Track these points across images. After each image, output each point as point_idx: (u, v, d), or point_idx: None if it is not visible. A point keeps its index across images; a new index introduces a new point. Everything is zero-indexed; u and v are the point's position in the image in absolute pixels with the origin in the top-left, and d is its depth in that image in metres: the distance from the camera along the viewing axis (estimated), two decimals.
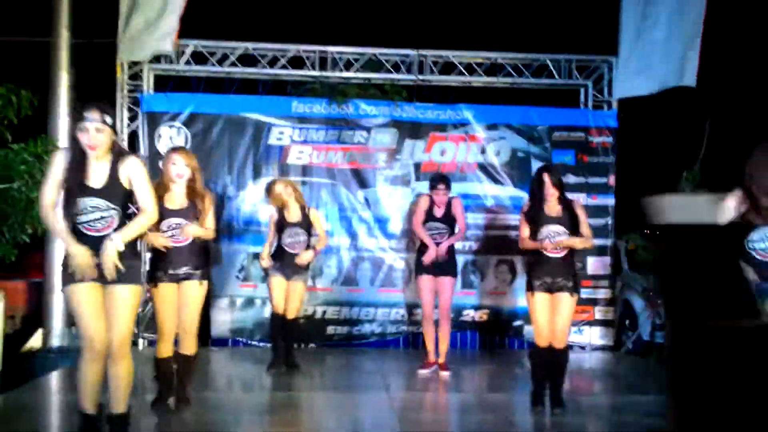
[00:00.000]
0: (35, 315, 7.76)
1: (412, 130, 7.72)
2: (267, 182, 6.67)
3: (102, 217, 3.42)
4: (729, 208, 3.38)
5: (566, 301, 4.68)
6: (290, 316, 6.00)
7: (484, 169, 7.78)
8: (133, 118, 7.59)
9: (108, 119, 3.45)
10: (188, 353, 4.47)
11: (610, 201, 7.86)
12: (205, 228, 4.54)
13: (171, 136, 7.48)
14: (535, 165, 7.75)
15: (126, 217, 3.48)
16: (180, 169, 4.53)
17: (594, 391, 6.07)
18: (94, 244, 3.40)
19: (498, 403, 5.21)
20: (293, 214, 6.10)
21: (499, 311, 7.69)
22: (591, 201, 7.80)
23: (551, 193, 4.76)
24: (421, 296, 6.22)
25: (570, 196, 5.08)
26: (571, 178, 7.78)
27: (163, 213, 4.41)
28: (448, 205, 6.21)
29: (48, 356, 6.82)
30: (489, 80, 7.95)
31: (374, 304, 7.62)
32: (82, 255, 3.34)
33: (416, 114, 7.74)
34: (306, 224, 6.11)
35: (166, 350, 4.41)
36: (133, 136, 7.59)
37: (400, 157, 7.71)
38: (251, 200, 7.55)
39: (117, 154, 3.51)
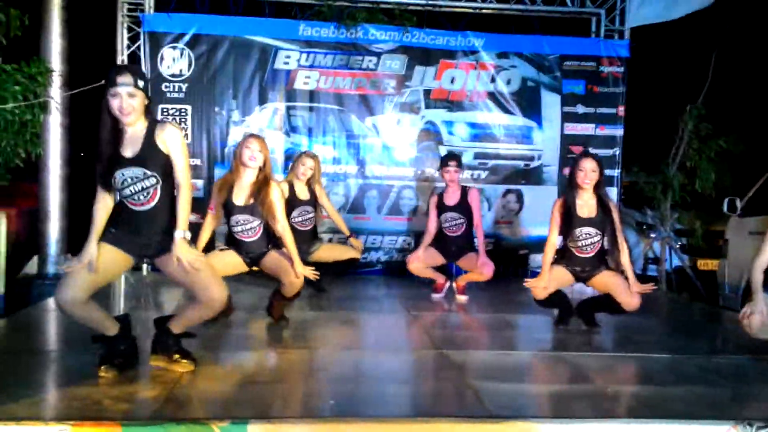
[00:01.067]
0: (26, 243, 7.66)
1: (421, 56, 7.56)
2: (297, 153, 6.52)
3: (143, 188, 3.26)
4: None
5: (603, 277, 4.64)
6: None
7: (494, 97, 7.68)
8: (133, 39, 7.33)
9: (141, 83, 3.24)
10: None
11: (618, 132, 7.84)
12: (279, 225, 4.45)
13: (174, 57, 7.26)
14: (545, 95, 7.73)
15: (169, 187, 3.32)
16: (254, 153, 4.45)
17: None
18: (141, 221, 3.29)
19: (521, 322, 5.28)
20: (302, 191, 5.96)
21: (506, 240, 7.72)
22: (599, 131, 7.79)
23: (590, 178, 4.55)
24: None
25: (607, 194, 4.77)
26: (580, 108, 7.75)
27: (231, 209, 4.49)
28: (464, 194, 5.97)
29: (44, 283, 6.78)
30: (500, 7, 7.76)
31: (381, 231, 7.60)
32: (90, 255, 3.23)
33: (426, 40, 7.57)
34: (313, 201, 6.01)
35: None
36: (133, 58, 7.34)
37: (410, 83, 7.57)
38: (257, 125, 7.40)
39: (152, 120, 3.33)
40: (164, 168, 3.29)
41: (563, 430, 2.79)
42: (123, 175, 3.26)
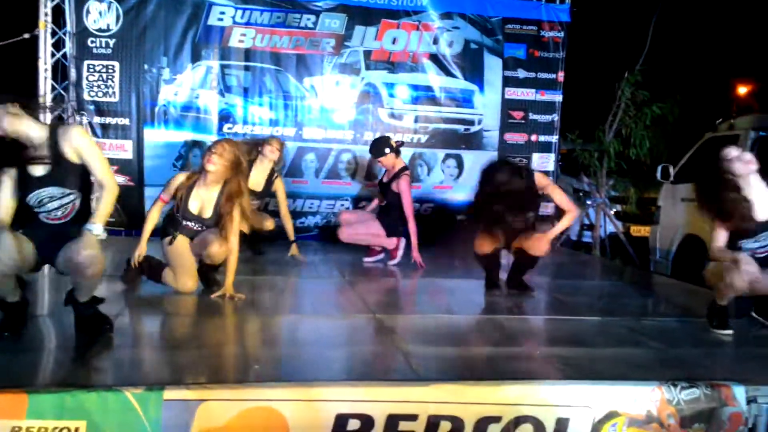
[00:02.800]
0: None
1: (362, 15, 7.36)
2: (266, 137, 6.26)
3: (61, 205, 3.06)
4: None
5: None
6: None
7: (436, 59, 7.56)
8: None
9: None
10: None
11: (558, 97, 7.84)
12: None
13: (101, 11, 6.87)
14: (488, 58, 7.66)
15: (87, 195, 3.15)
16: (211, 156, 4.16)
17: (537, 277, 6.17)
18: (55, 235, 3.09)
19: (455, 286, 5.26)
20: (258, 181, 5.73)
21: (445, 205, 7.67)
22: (539, 97, 7.78)
23: None
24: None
25: None
26: (521, 73, 7.72)
27: (183, 210, 4.26)
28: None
29: None
30: None
31: (318, 196, 7.46)
32: None
33: None
34: (265, 193, 5.87)
35: None
36: (58, 12, 6.93)
37: (350, 43, 7.38)
38: (189, 84, 7.11)
39: (52, 126, 3.07)
40: (81, 179, 3.10)
41: (491, 392, 2.76)
42: (39, 196, 3.05)
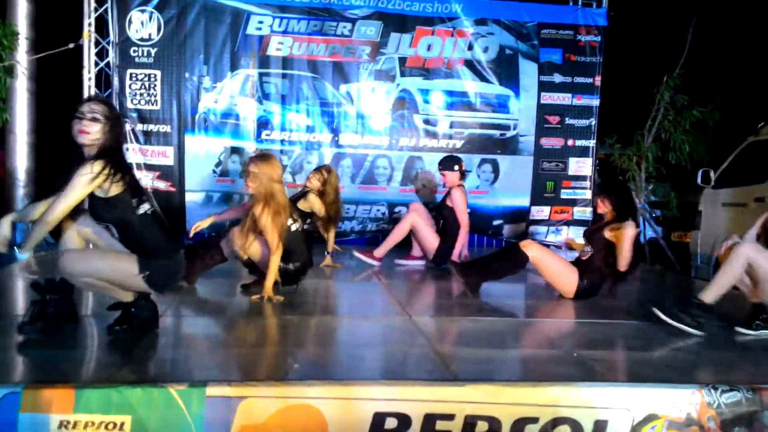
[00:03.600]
0: None
1: (397, 23, 7.43)
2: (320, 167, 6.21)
3: None
4: None
5: None
6: None
7: (471, 65, 7.59)
8: (100, 2, 7.11)
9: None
10: None
11: (595, 102, 7.80)
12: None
13: (142, 21, 7.06)
14: (523, 63, 7.66)
15: None
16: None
17: None
18: None
19: (494, 291, 5.26)
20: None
21: (481, 210, 7.67)
22: (576, 101, 7.74)
23: None
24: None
25: None
26: (557, 78, 7.69)
27: None
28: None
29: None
30: None
31: (355, 201, 7.52)
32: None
33: (402, 6, 7.43)
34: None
35: None
36: (100, 21, 7.13)
37: (385, 50, 7.44)
38: (229, 92, 7.25)
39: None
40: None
41: (529, 393, 2.76)
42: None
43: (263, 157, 4.56)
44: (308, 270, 4.69)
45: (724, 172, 7.68)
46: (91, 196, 3.12)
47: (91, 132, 3.12)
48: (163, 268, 3.23)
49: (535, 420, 2.72)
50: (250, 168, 4.34)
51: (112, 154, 3.12)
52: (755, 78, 17.27)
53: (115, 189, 3.10)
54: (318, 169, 5.99)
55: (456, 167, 6.11)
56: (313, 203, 5.78)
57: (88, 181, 3.03)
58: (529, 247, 4.71)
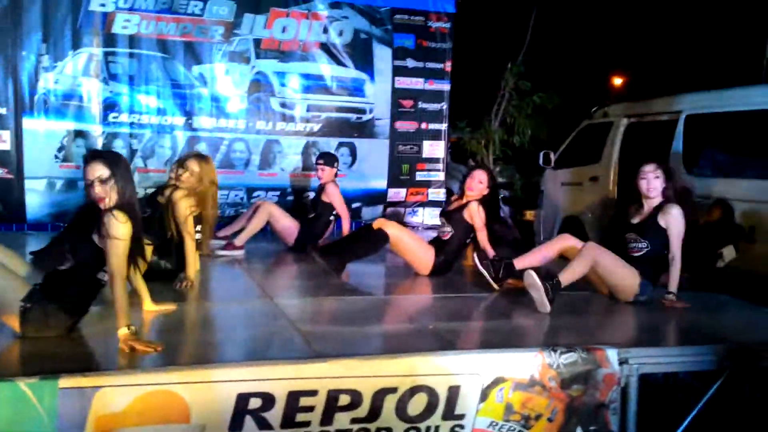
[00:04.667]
0: None
1: (251, 3, 7.29)
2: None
3: None
4: None
5: None
6: None
7: (327, 49, 7.62)
8: None
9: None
10: None
11: (446, 87, 8.07)
12: None
13: None
14: (377, 47, 7.80)
15: None
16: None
17: None
18: None
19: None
20: None
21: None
22: (428, 86, 8.00)
23: None
24: None
25: None
26: (410, 63, 7.91)
27: None
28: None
29: None
30: None
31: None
32: None
33: None
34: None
35: None
36: None
37: (239, 31, 7.31)
38: (71, 72, 6.84)
39: None
40: None
41: (386, 364, 2.88)
42: None
43: (205, 158, 4.84)
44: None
45: (563, 153, 8.28)
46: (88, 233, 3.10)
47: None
48: (48, 314, 3.02)
49: (394, 390, 2.85)
50: (190, 165, 4.55)
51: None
52: (592, 66, 18.66)
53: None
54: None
55: (335, 164, 6.23)
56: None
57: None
58: (387, 226, 4.85)
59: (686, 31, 17.67)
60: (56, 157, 6.86)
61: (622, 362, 3.17)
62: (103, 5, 6.87)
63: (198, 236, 4.50)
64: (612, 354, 3.16)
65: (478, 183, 4.97)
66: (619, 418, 3.15)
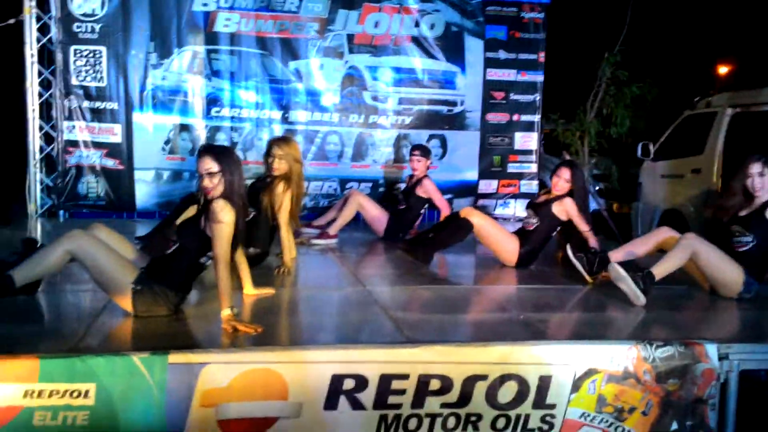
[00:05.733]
0: None
1: None
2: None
3: None
4: None
5: None
6: None
7: (418, 42, 7.67)
8: None
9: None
10: None
11: (539, 78, 7.97)
12: None
13: None
14: (468, 40, 7.79)
15: None
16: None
17: None
18: None
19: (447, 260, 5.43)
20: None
21: None
22: (521, 77, 7.92)
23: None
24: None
25: None
26: (502, 54, 7.85)
27: None
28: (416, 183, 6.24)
29: None
30: None
31: (306, 177, 7.50)
32: None
33: None
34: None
35: None
36: None
37: (333, 27, 7.47)
38: (176, 69, 7.20)
39: None
40: None
41: (478, 352, 2.91)
42: None
43: (285, 139, 4.98)
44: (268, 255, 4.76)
45: (663, 145, 8.00)
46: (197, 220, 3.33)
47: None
48: (156, 294, 3.24)
49: (484, 377, 2.88)
50: (275, 151, 4.69)
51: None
52: (695, 54, 17.87)
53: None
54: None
55: (430, 156, 6.36)
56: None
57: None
58: (471, 215, 4.87)
59: None
60: (163, 149, 7.26)
61: (722, 358, 3.07)
62: (205, 5, 7.18)
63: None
64: (711, 349, 3.07)
65: (563, 182, 4.92)
66: (718, 414, 3.06)
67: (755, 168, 4.08)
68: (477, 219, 4.86)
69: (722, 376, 3.08)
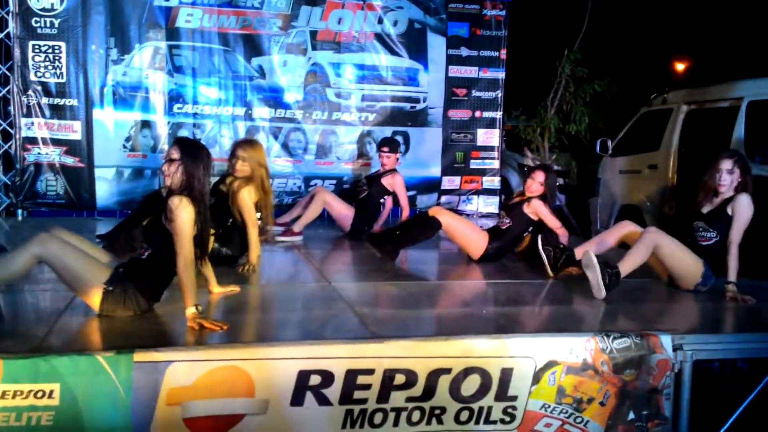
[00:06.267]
0: None
1: None
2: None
3: None
4: None
5: None
6: None
7: (381, 39, 7.70)
8: None
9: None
10: None
11: (500, 74, 8.05)
12: None
13: None
14: (431, 37, 7.84)
15: None
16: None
17: None
18: None
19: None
20: None
21: None
22: (482, 74, 8.00)
23: None
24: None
25: None
26: (464, 51, 7.92)
27: None
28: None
29: None
30: None
31: (271, 175, 7.52)
32: None
33: None
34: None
35: None
36: None
37: (296, 23, 7.46)
38: (137, 65, 7.11)
39: None
40: None
41: (441, 346, 2.97)
42: None
43: (250, 142, 5.05)
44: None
45: (621, 141, 8.18)
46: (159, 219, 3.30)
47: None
48: (127, 296, 3.23)
49: (448, 371, 2.95)
50: (239, 153, 4.71)
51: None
52: (652, 52, 18.23)
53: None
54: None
55: (398, 149, 6.48)
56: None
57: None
58: (440, 214, 4.96)
59: (752, 13, 17.08)
60: (124, 146, 7.16)
61: (677, 348, 3.18)
62: (167, 0, 7.11)
63: (259, 222, 4.67)
64: (666, 340, 3.17)
65: (537, 184, 5.06)
66: (673, 403, 3.17)
67: (726, 164, 4.18)
68: (446, 218, 4.96)
69: (676, 366, 3.18)
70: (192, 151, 3.34)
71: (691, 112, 7.31)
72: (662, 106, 7.74)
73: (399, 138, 7.81)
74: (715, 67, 15.34)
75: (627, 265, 4.02)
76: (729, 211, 4.14)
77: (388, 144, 6.44)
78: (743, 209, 4.11)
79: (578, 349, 3.09)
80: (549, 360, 3.05)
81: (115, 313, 3.21)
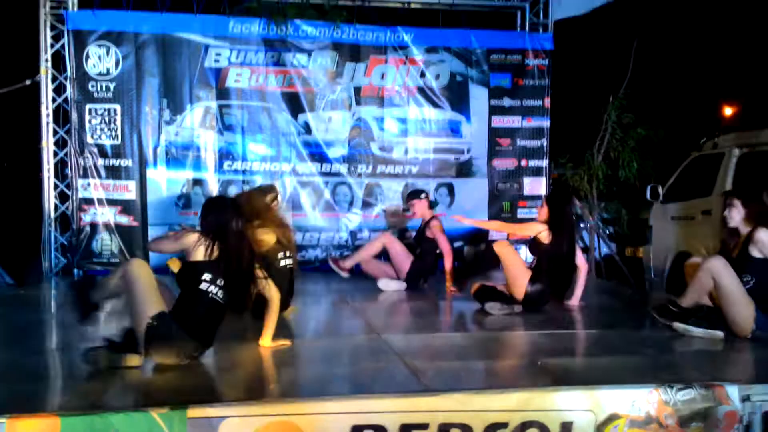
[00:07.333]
0: None
1: (352, 52, 7.61)
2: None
3: None
4: None
5: None
6: None
7: (423, 92, 7.79)
8: (57, 37, 7.13)
9: None
10: None
11: (545, 123, 8.06)
12: None
13: (100, 56, 7.09)
14: (473, 88, 7.90)
15: None
16: None
17: None
18: None
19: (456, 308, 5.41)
20: None
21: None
22: (526, 123, 8.00)
23: None
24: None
25: None
26: (506, 101, 7.95)
27: None
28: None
29: None
30: (428, 1, 7.89)
31: (318, 229, 7.62)
32: None
33: (356, 36, 7.62)
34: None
35: None
36: (57, 57, 7.16)
37: (341, 80, 7.62)
38: (189, 124, 7.32)
39: None
40: None
41: (497, 399, 2.89)
42: None
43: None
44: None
45: (671, 186, 8.03)
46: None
47: None
48: (172, 337, 3.28)
49: (504, 425, 2.86)
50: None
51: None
52: (700, 96, 18.02)
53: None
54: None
55: (422, 195, 6.50)
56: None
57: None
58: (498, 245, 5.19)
59: None
60: (176, 204, 7.32)
61: (744, 399, 3.05)
62: (217, 61, 7.35)
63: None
64: (733, 391, 3.04)
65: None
66: None
67: (727, 200, 4.35)
68: (502, 249, 5.13)
69: (745, 418, 3.05)
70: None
71: (743, 155, 7.15)
72: (713, 150, 7.60)
73: (444, 189, 7.85)
74: (764, 110, 15.05)
75: (688, 300, 4.12)
76: (755, 253, 4.12)
77: (409, 195, 6.64)
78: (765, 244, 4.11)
79: (641, 401, 2.98)
80: (611, 413, 2.94)
81: (160, 354, 3.28)
